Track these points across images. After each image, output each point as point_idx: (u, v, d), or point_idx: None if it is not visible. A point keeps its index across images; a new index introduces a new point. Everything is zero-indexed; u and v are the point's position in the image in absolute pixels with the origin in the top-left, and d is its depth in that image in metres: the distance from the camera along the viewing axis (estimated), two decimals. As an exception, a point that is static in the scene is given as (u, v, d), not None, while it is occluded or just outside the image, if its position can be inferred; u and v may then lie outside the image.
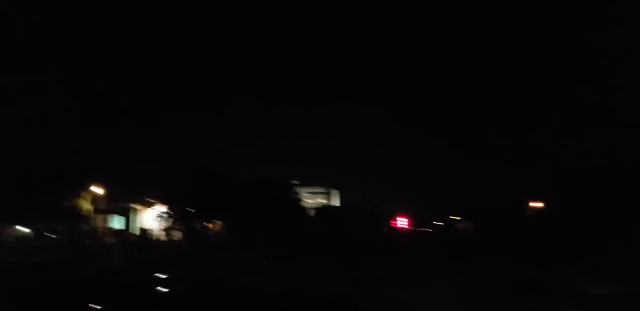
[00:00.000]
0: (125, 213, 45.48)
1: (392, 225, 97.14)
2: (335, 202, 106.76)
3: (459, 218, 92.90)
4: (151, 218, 42.33)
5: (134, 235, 41.12)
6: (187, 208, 38.79)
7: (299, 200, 55.06)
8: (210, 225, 43.79)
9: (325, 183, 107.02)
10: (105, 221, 41.95)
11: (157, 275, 16.09)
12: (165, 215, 39.56)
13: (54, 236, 31.16)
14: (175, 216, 39.36)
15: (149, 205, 45.54)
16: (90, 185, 33.59)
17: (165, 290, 13.51)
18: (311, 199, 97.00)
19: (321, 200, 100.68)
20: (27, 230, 31.63)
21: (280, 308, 10.40)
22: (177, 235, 40.37)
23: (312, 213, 63.83)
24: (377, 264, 20.75)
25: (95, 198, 34.72)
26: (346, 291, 12.53)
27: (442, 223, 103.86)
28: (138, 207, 46.65)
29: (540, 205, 50.08)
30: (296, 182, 63.73)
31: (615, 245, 24.19)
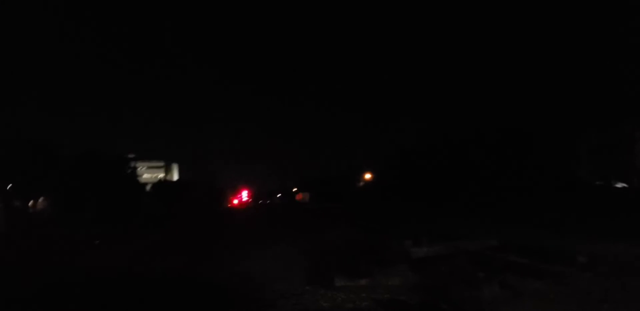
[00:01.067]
0: None
1: (235, 198, 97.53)
2: (174, 176, 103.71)
3: (295, 189, 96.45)
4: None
5: None
6: (2, 184, 34.77)
7: (135, 174, 52.44)
8: (31, 203, 39.87)
9: (166, 157, 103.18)
10: None
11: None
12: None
13: None
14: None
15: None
16: None
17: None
18: (149, 173, 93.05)
19: (160, 175, 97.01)
20: None
21: (114, 288, 9.81)
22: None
23: (148, 188, 61.37)
24: (219, 238, 20.62)
25: None
26: (181, 268, 12.23)
27: (282, 194, 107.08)
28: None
29: (369, 176, 53.93)
30: (132, 155, 60.60)
31: (435, 213, 27.01)
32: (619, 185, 37.87)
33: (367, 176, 57.34)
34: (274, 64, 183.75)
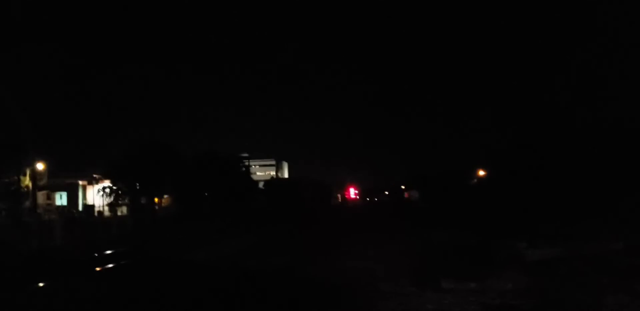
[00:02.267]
0: (69, 189, 44.26)
1: (342, 195, 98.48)
2: (286, 173, 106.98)
3: (404, 187, 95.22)
4: (96, 194, 41.26)
5: (77, 211, 39.98)
6: (131, 183, 37.89)
7: (248, 172, 54.75)
8: (157, 200, 43.06)
9: (276, 155, 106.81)
10: (48, 198, 40.74)
11: (102, 251, 15.70)
12: (109, 190, 38.49)
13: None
14: (120, 191, 38.41)
15: (94, 180, 44.32)
16: (31, 161, 32.36)
17: (111, 265, 13.22)
18: (261, 171, 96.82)
19: (271, 172, 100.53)
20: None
21: (225, 281, 10.29)
22: (122, 210, 39.55)
23: (261, 185, 63.77)
24: (326, 235, 20.91)
25: (35, 174, 33.48)
26: (293, 262, 12.54)
27: (390, 193, 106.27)
28: (82, 182, 45.33)
29: (483, 173, 51.75)
30: (245, 155, 63.34)
31: (556, 213, 25.30)
32: None
33: (481, 173, 55.11)
34: (392, 69, 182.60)
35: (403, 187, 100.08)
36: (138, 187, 38.38)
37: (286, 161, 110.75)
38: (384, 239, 17.46)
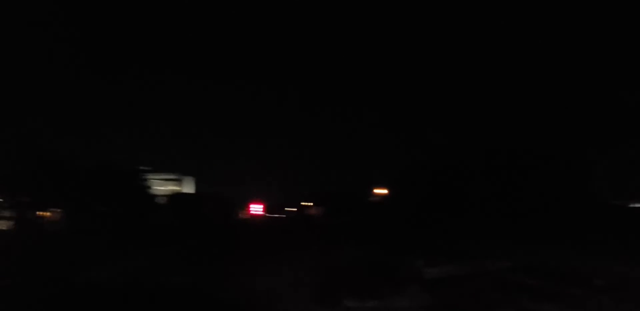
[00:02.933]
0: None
1: (247, 211, 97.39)
2: (189, 188, 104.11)
3: (310, 203, 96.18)
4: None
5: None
6: (14, 196, 35.18)
7: (148, 187, 52.73)
8: (46, 214, 40.16)
9: (179, 170, 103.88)
10: None
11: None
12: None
13: None
14: (5, 204, 35.50)
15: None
16: None
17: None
18: (163, 186, 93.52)
19: (173, 187, 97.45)
20: None
21: (118, 303, 9.68)
22: (6, 224, 36.41)
23: (162, 200, 61.62)
24: (229, 252, 20.46)
25: None
26: (194, 281, 12.08)
27: (294, 209, 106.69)
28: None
29: (384, 191, 53.47)
30: (146, 168, 60.94)
31: (450, 231, 26.59)
32: (636, 204, 37.16)
33: (382, 191, 56.90)
34: (292, 77, 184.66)
35: (307, 203, 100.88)
36: (26, 201, 35.68)
37: (192, 176, 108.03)
38: (286, 255, 17.40)
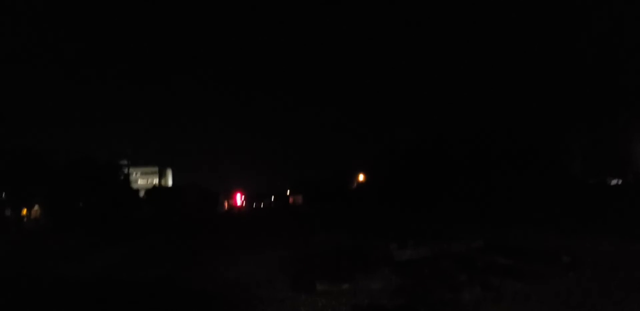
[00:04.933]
0: None
1: (229, 201, 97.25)
2: (168, 181, 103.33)
3: (289, 191, 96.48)
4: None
5: None
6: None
7: (128, 180, 52.33)
8: (25, 211, 39.72)
9: (160, 162, 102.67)
10: None
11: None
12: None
13: None
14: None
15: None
16: None
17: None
18: (143, 179, 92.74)
19: (155, 180, 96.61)
20: None
21: (97, 296, 9.70)
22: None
23: (142, 194, 61.21)
24: (209, 244, 20.51)
25: None
26: (171, 272, 12.14)
27: (275, 198, 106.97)
28: None
29: (362, 177, 53.88)
30: (125, 161, 60.37)
31: (424, 215, 26.96)
32: (614, 181, 37.80)
33: (360, 177, 57.30)
34: (268, 67, 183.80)
35: (288, 192, 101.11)
36: (2, 197, 35.23)
37: (171, 168, 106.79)
38: (267, 244, 17.52)
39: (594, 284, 8.47)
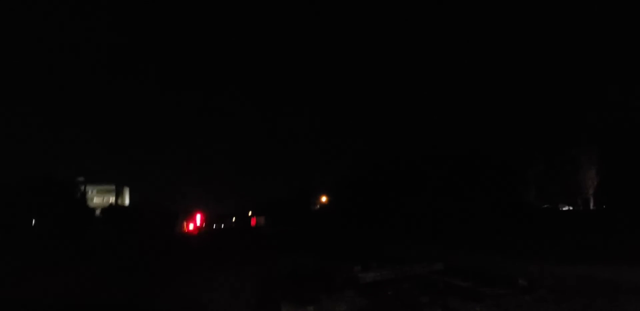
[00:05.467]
0: None
1: (188, 222, 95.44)
2: (125, 199, 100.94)
3: (250, 212, 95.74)
4: None
5: None
6: None
7: (84, 198, 50.97)
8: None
9: (117, 180, 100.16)
10: None
11: None
12: None
13: None
14: None
15: None
16: None
17: None
18: (99, 198, 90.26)
19: (111, 199, 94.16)
20: None
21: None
22: None
23: (98, 213, 59.61)
24: (169, 265, 20.18)
25: None
26: (127, 297, 11.91)
27: (237, 219, 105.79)
28: None
29: (325, 199, 54.17)
30: (81, 179, 58.92)
31: (383, 237, 27.24)
32: (565, 208, 39.47)
33: (323, 199, 57.57)
34: (226, 84, 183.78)
35: (250, 213, 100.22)
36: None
37: (128, 186, 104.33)
38: (228, 265, 17.38)
39: (550, 306, 8.81)
